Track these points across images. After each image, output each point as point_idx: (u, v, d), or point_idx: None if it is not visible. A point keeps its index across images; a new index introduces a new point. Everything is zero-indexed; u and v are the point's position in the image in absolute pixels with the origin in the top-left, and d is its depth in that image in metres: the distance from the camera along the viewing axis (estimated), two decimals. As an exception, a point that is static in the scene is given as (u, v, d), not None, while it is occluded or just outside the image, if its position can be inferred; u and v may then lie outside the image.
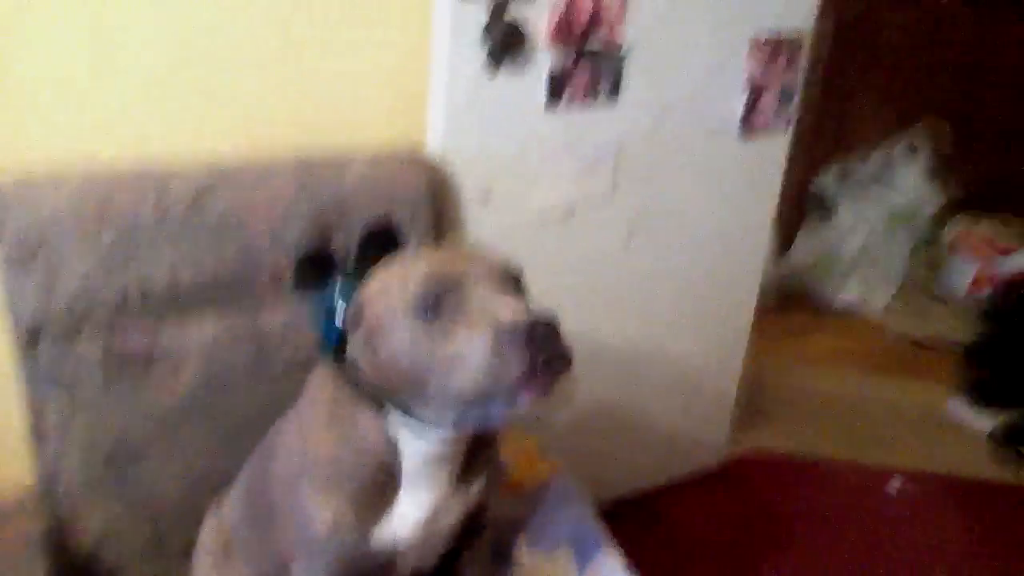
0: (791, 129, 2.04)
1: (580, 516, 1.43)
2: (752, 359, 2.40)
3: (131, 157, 1.35)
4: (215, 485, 1.38)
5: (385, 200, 1.44)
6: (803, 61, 1.95)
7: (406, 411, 0.98)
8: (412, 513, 1.07)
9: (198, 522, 1.36)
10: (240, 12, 1.39)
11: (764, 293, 2.33)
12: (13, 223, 1.20)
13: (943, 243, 3.66)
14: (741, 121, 1.93)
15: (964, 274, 3.55)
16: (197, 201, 1.31)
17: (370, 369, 0.99)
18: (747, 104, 1.91)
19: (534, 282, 1.03)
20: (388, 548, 1.08)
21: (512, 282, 0.97)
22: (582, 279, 1.89)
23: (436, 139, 1.58)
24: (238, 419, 1.39)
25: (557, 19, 1.59)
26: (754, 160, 2.03)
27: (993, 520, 2.40)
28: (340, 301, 1.00)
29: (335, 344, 1.01)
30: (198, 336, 1.34)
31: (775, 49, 1.88)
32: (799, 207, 3.59)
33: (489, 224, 1.67)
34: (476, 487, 1.13)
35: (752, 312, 2.30)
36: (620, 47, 1.69)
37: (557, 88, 1.65)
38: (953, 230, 3.65)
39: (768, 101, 1.93)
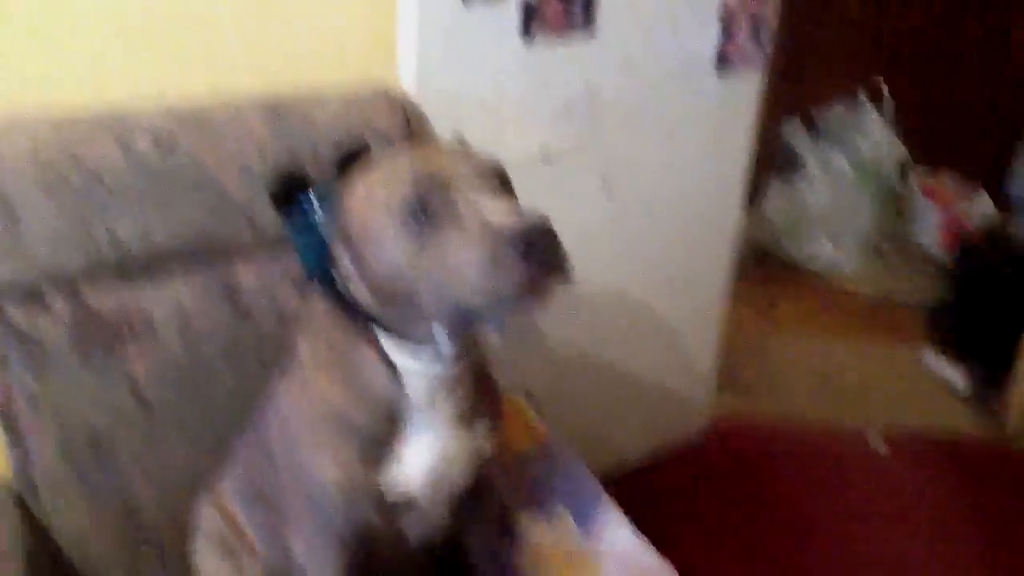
0: (765, 67, 1.99)
1: (574, 476, 1.40)
2: (728, 319, 2.37)
3: (93, 102, 1.26)
4: (198, 476, 1.30)
5: (356, 139, 1.37)
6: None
7: (404, 331, 0.93)
8: (421, 458, 1.02)
9: (179, 519, 1.29)
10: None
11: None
12: (-32, 173, 1.11)
13: (909, 194, 3.66)
14: (717, 55, 1.88)
15: (932, 224, 3.55)
16: (164, 145, 1.23)
17: (361, 287, 0.93)
18: (721, 34, 1.86)
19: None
20: (399, 501, 1.03)
21: (500, 181, 0.92)
22: (557, 229, 1.82)
23: (409, 76, 1.52)
24: (220, 402, 1.31)
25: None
26: (729, 100, 1.99)
27: (975, 474, 2.41)
28: (320, 213, 0.93)
29: (321, 266, 0.94)
30: (173, 298, 1.26)
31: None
32: (765, 160, 3.56)
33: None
34: (480, 430, 1.08)
35: (728, 267, 2.27)
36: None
37: (531, 18, 1.58)
38: (917, 181, 3.65)
39: (742, 32, 1.89)
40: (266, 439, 1.13)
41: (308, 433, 1.01)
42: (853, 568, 2.05)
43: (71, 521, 1.24)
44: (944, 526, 2.20)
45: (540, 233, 0.80)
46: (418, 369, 0.96)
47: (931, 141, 3.67)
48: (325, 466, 0.99)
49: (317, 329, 1.02)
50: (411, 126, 1.46)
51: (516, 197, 0.94)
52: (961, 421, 2.62)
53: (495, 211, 0.83)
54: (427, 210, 0.85)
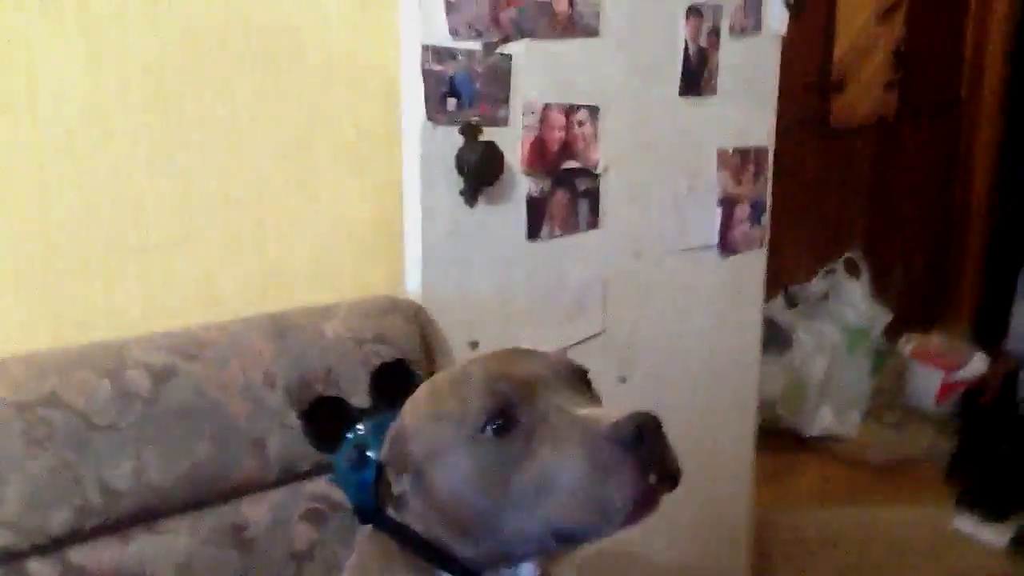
0: (766, 245, 1.97)
1: None
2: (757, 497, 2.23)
3: (80, 338, 1.15)
4: None
5: (372, 353, 1.27)
6: (770, 172, 1.90)
7: (480, 567, 0.78)
8: None
9: None
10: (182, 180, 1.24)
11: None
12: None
13: (901, 358, 3.63)
14: (719, 238, 1.85)
15: (930, 385, 3.49)
16: (159, 374, 1.11)
17: (427, 520, 0.79)
18: (723, 217, 1.84)
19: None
20: None
21: (585, 382, 0.80)
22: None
23: (415, 282, 1.44)
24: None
25: (530, 144, 1.50)
26: (735, 280, 1.95)
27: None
28: (372, 444, 0.81)
29: (373, 504, 0.81)
30: (171, 547, 1.11)
31: (743, 159, 1.84)
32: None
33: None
34: None
35: (751, 442, 2.16)
36: (595, 170, 1.61)
37: (537, 216, 1.54)
38: (909, 344, 3.62)
39: (742, 214, 1.87)
40: None
41: None
42: None
43: None
44: None
45: (650, 430, 0.69)
46: None
47: (922, 304, 3.69)
48: None
49: (366, 564, 0.86)
50: (423, 333, 1.36)
51: (600, 397, 0.82)
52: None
53: (593, 410, 0.72)
54: (509, 420, 0.73)
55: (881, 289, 3.54)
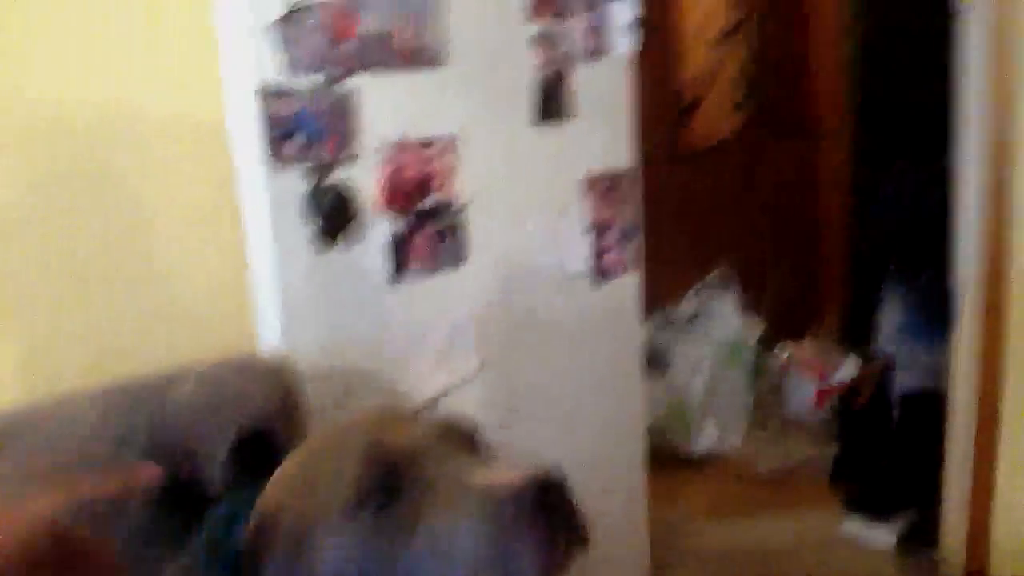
0: (640, 267, 1.95)
1: None
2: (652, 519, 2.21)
3: None
4: None
5: (229, 421, 1.15)
6: (637, 194, 1.89)
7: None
8: None
9: None
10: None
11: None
12: None
13: (777, 368, 3.70)
14: (592, 264, 1.82)
15: (806, 392, 3.57)
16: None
17: None
18: (594, 244, 1.81)
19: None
20: None
21: (474, 442, 0.72)
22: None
23: (273, 336, 1.33)
24: None
25: (385, 181, 1.42)
26: (612, 306, 1.93)
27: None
28: (230, 531, 0.70)
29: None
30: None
31: (609, 183, 1.82)
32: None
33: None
34: None
35: (642, 462, 2.15)
36: (457, 205, 1.55)
37: (400, 256, 1.46)
38: (783, 354, 3.69)
39: (613, 239, 1.84)
40: None
41: None
42: None
43: None
44: None
45: (554, 490, 0.62)
46: None
47: (792, 314, 3.78)
48: None
49: None
50: (286, 393, 1.25)
51: (494, 455, 0.75)
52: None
53: (487, 475, 0.64)
54: (392, 493, 0.64)
55: (752, 303, 3.61)
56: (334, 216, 1.32)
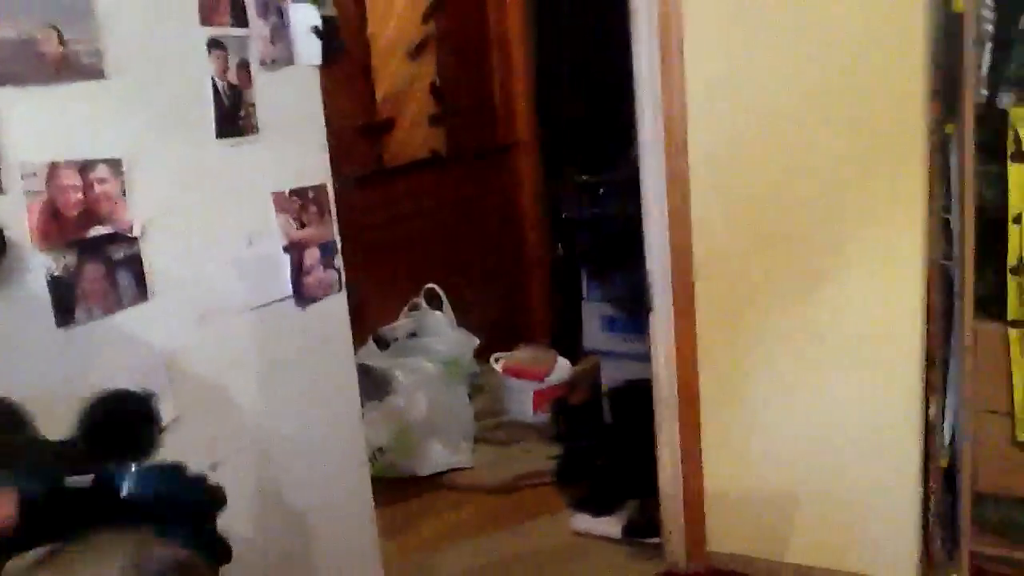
0: (344, 287, 1.86)
1: None
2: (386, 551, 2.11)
3: None
4: None
5: None
6: (333, 210, 1.79)
7: None
8: None
9: None
10: None
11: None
12: None
13: (494, 377, 3.73)
14: (293, 287, 1.70)
15: (525, 397, 3.63)
16: None
17: None
18: (293, 265, 1.69)
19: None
20: None
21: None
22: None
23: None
24: None
25: (39, 213, 1.22)
26: (319, 329, 1.82)
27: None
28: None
29: None
30: None
31: (303, 200, 1.71)
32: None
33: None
34: None
35: (370, 499, 2.04)
36: (132, 234, 1.38)
37: (66, 297, 1.27)
38: (498, 362, 3.73)
39: (313, 258, 1.74)
40: None
41: None
42: None
43: None
44: None
45: None
46: None
47: (504, 324, 3.84)
48: None
49: None
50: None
51: None
52: (628, 566, 2.60)
53: None
54: None
55: (465, 317, 3.63)
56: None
